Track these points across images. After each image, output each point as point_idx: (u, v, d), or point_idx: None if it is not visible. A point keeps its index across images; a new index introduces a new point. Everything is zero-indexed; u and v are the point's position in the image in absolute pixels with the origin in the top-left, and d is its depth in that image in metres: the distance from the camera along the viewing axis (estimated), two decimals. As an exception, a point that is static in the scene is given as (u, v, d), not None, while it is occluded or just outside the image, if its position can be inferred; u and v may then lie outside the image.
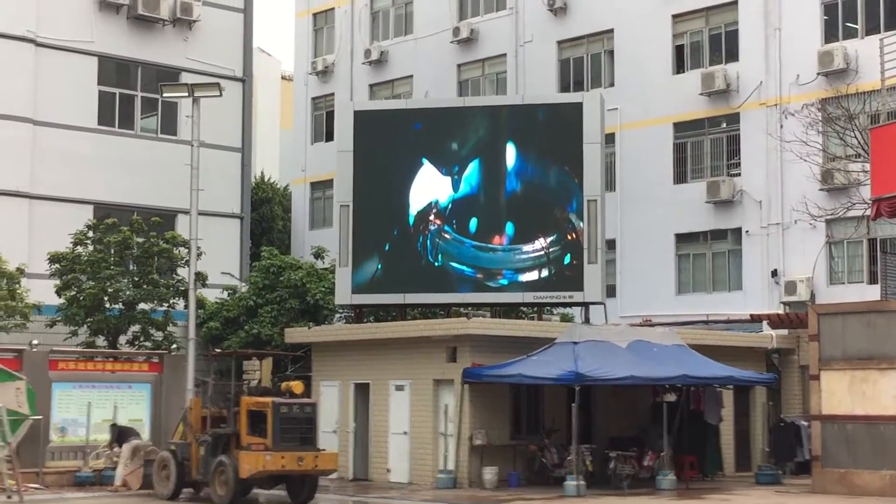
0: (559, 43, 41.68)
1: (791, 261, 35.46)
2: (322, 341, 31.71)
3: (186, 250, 33.51)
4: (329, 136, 46.93)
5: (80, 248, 34.11)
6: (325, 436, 28.04)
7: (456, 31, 43.96)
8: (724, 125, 37.83)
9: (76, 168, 38.88)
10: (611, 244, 36.68)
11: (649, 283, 38.09)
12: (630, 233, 38.84)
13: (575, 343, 27.57)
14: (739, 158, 37.22)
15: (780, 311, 34.45)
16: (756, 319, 34.36)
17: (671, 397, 29.19)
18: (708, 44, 38.41)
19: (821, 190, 34.64)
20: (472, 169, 31.48)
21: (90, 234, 34.59)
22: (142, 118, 41.07)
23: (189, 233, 32.14)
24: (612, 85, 39.96)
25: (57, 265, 33.69)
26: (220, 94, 32.70)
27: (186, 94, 32.61)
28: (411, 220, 31.54)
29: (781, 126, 35.35)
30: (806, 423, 29.74)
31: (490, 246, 31.22)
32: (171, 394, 31.02)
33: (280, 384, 26.09)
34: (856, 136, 32.53)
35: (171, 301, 34.62)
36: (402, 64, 46.08)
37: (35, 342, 31.03)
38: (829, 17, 35.80)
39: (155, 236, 34.78)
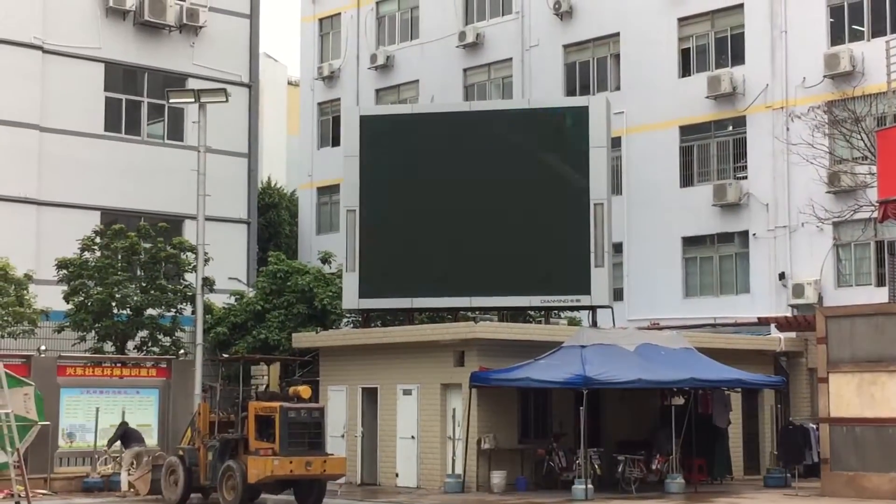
0: (565, 47, 41.68)
1: (798, 263, 35.41)
2: (329, 346, 31.71)
3: (194, 256, 33.53)
4: (335, 141, 46.92)
5: (87, 254, 34.16)
6: (332, 440, 28.07)
7: (462, 35, 43.97)
8: (731, 128, 37.80)
9: (83, 174, 38.95)
10: (618, 248, 36.70)
11: (657, 286, 38.06)
12: (637, 236, 38.80)
13: (582, 347, 27.55)
14: (746, 161, 37.18)
15: (788, 314, 34.42)
16: (764, 322, 34.32)
17: (679, 401, 29.17)
18: (714, 47, 38.40)
19: (828, 192, 34.59)
20: (477, 173, 31.46)
21: (97, 239, 34.64)
22: (148, 124, 41.15)
23: (196, 238, 32.16)
24: (618, 89, 39.95)
25: (64, 271, 33.72)
26: (227, 100, 32.72)
27: (193, 99, 32.63)
28: (418, 225, 31.50)
29: (788, 129, 35.32)
30: (814, 426, 29.67)
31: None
32: (178, 399, 31.03)
33: (288, 389, 26.08)
34: (862, 139, 32.50)
35: (179, 306, 34.65)
36: (409, 69, 46.09)
37: (43, 348, 31.10)
38: (836, 20, 35.77)
39: (162, 242, 34.81)
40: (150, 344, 34.23)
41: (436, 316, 34.62)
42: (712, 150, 38.19)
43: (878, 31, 34.61)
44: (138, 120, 40.88)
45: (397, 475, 29.47)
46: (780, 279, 35.71)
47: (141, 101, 40.92)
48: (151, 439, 30.11)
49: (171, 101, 34.66)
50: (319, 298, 35.36)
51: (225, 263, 38.41)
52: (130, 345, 34.10)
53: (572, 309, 33.61)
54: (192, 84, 39.62)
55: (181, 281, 35.06)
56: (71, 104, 39.06)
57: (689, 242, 38.15)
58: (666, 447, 28.45)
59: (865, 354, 26.56)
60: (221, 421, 25.58)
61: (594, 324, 31.45)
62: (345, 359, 31.16)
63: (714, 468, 30.31)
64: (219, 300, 37.13)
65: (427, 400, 28.98)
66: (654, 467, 28.54)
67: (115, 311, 33.65)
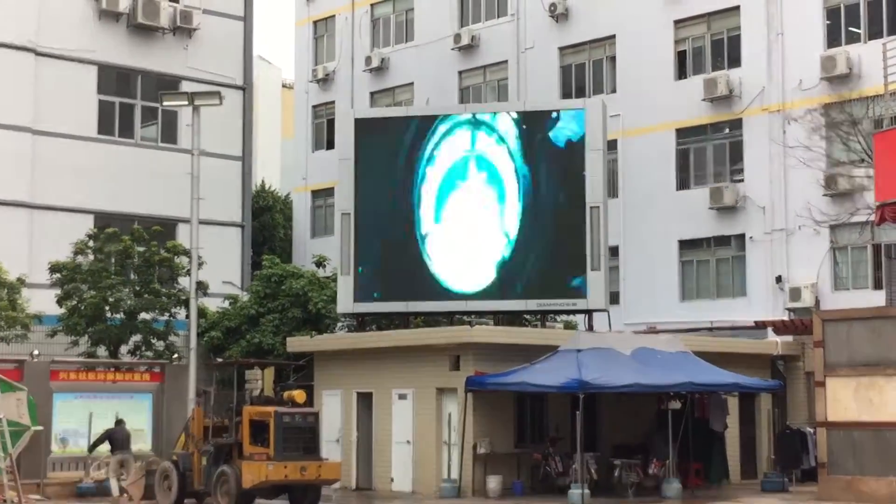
0: (561, 49, 41.59)
1: (795, 267, 35.32)
2: (324, 350, 31.59)
3: (187, 259, 33.42)
4: (330, 144, 46.84)
5: (80, 258, 34.00)
6: (327, 445, 27.94)
7: (457, 37, 43.87)
8: (727, 131, 37.73)
9: (76, 177, 38.78)
10: (614, 251, 36.59)
11: (653, 289, 37.97)
12: (633, 239, 38.71)
13: (579, 351, 27.44)
14: (742, 164, 37.11)
15: (785, 318, 34.33)
16: (760, 326, 34.23)
17: (676, 405, 29.01)
18: (710, 49, 38.33)
19: (824, 195, 34.52)
20: (472, 176, 31.34)
21: (91, 243, 34.48)
22: (142, 127, 40.99)
23: (190, 242, 32.04)
24: (614, 91, 39.87)
25: (58, 275, 33.57)
26: (221, 103, 32.63)
27: (187, 102, 32.53)
28: (413, 228, 31.38)
29: (784, 131, 35.28)
30: (811, 430, 29.59)
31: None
32: (172, 404, 30.91)
33: (282, 393, 25.96)
34: (859, 142, 32.43)
35: (173, 310, 34.50)
36: (403, 71, 45.99)
37: (36, 352, 30.93)
38: (832, 22, 35.70)
39: (156, 245, 34.66)
40: (143, 348, 34.06)
41: (431, 320, 34.47)
42: (709, 153, 38.12)
43: (874, 34, 34.53)
44: (132, 123, 40.72)
45: (392, 480, 29.35)
46: (776, 282, 35.63)
47: (134, 103, 40.76)
48: (145, 444, 29.95)
49: (164, 103, 34.52)
50: (314, 302, 35.23)
51: (219, 267, 38.26)
52: (124, 349, 33.95)
53: (568, 313, 33.48)
54: (186, 87, 39.49)
55: (175, 285, 34.89)
56: (64, 107, 38.89)
57: (686, 245, 38.06)
58: (663, 451, 28.34)
59: (863, 358, 26.46)
60: (215, 426, 25.46)
61: (590, 328, 31.37)
62: (340, 363, 31.03)
63: (711, 472, 30.18)
64: (213, 304, 36.99)
65: (422, 404, 28.86)
66: (650, 472, 28.44)
67: (109, 315, 33.50)
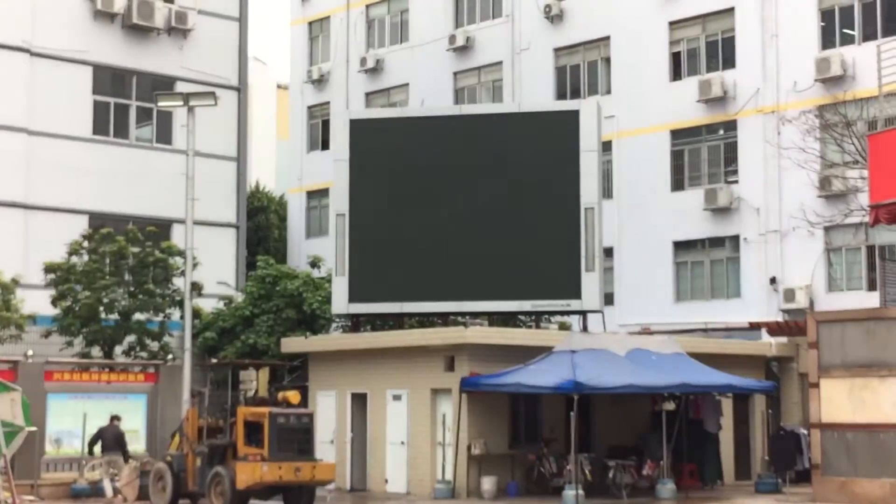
0: (556, 50, 41.62)
1: (789, 268, 35.36)
2: (319, 351, 31.57)
3: (182, 260, 33.38)
4: (325, 145, 46.83)
5: (75, 259, 33.96)
6: (322, 446, 27.92)
7: (452, 38, 43.88)
8: (722, 132, 37.76)
9: (71, 178, 38.71)
10: (608, 252, 36.61)
11: (647, 290, 37.99)
12: (628, 240, 38.74)
13: (573, 352, 27.46)
14: (737, 165, 37.14)
15: (779, 319, 34.36)
16: (755, 327, 34.25)
17: (670, 406, 29.07)
18: (705, 51, 38.36)
19: (819, 197, 34.57)
20: (467, 177, 31.32)
21: (85, 244, 34.44)
22: (137, 127, 40.93)
23: (185, 242, 31.99)
24: (608, 92, 39.90)
25: (52, 275, 33.54)
26: (216, 104, 32.56)
27: (181, 103, 32.46)
28: (407, 228, 31.35)
29: (779, 133, 35.32)
30: (805, 432, 29.61)
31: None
32: (166, 404, 30.88)
33: (277, 394, 25.94)
34: (853, 143, 32.47)
35: (167, 311, 34.49)
36: (398, 72, 45.99)
37: (30, 353, 30.90)
38: (827, 24, 35.75)
39: (150, 246, 34.62)
40: (138, 349, 34.04)
41: (426, 321, 34.46)
42: (703, 155, 38.15)
43: (868, 35, 34.59)
44: (126, 123, 40.66)
45: (387, 481, 29.35)
46: (771, 284, 35.66)
47: (129, 104, 40.71)
48: (139, 444, 29.91)
49: (159, 104, 34.43)
50: (308, 303, 35.21)
51: (213, 268, 38.19)
52: (118, 350, 33.91)
53: (563, 313, 33.49)
54: (181, 87, 39.44)
55: (169, 285, 34.87)
56: (59, 107, 38.82)
57: (680, 247, 38.09)
58: (657, 453, 28.37)
59: (857, 359, 26.46)
60: (210, 426, 25.46)
61: (585, 329, 31.35)
62: (334, 364, 31.02)
63: (705, 473, 30.24)
64: (207, 305, 36.96)
65: (417, 405, 28.86)
66: (644, 473, 28.47)
67: (103, 315, 33.47)
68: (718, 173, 37.69)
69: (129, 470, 27.50)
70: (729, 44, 37.74)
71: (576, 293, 30.32)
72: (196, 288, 32.89)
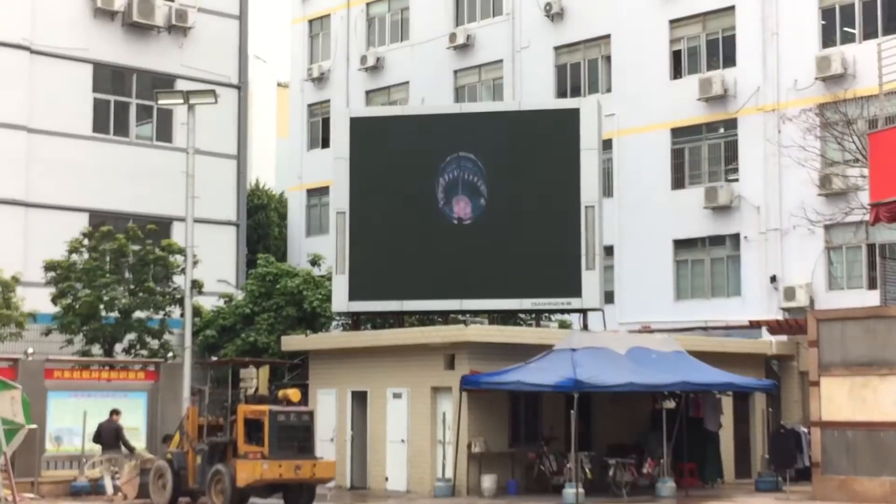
0: (556, 49, 41.61)
1: (790, 266, 35.36)
2: (319, 349, 31.56)
3: (182, 258, 33.38)
4: (325, 143, 46.82)
5: (75, 257, 33.96)
6: (322, 444, 27.90)
7: (452, 37, 43.86)
8: (722, 130, 37.75)
9: (71, 176, 38.75)
10: (609, 250, 36.57)
11: (648, 289, 37.98)
12: (628, 239, 38.73)
13: (573, 350, 27.42)
14: (737, 164, 37.13)
15: (780, 317, 34.34)
16: (755, 325, 34.23)
17: (670, 404, 29.06)
18: (705, 49, 38.35)
19: (819, 195, 34.56)
20: (467, 175, 31.31)
21: (86, 242, 34.44)
22: (137, 125, 40.96)
23: (185, 240, 31.99)
24: (609, 91, 39.89)
25: (52, 273, 33.53)
26: (216, 102, 32.55)
27: (182, 101, 32.46)
28: (407, 227, 31.35)
29: (779, 131, 35.30)
30: (806, 430, 29.59)
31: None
32: (167, 402, 30.85)
33: (277, 392, 25.93)
34: (854, 141, 32.45)
35: (167, 309, 34.48)
36: (399, 70, 45.99)
37: (30, 351, 30.89)
38: (827, 22, 35.74)
39: (151, 244, 34.64)
40: (138, 347, 34.04)
41: (426, 319, 34.47)
42: (704, 153, 38.14)
43: (869, 34, 34.58)
44: (127, 121, 40.69)
45: (387, 479, 29.33)
46: (771, 282, 35.66)
47: (129, 102, 40.74)
48: (140, 442, 29.92)
49: (159, 102, 34.47)
50: (309, 301, 35.21)
51: (214, 266, 38.20)
52: (118, 348, 33.92)
53: (563, 312, 33.46)
54: (181, 85, 39.44)
55: (169, 283, 34.88)
56: (59, 105, 38.85)
57: (681, 245, 38.09)
58: (657, 451, 28.35)
59: (857, 358, 26.47)
60: (210, 424, 25.43)
61: (585, 327, 31.37)
62: (334, 362, 31.01)
63: (705, 472, 30.20)
64: (207, 303, 36.95)
65: (417, 403, 28.85)
66: (644, 471, 28.43)
67: (104, 313, 33.47)
68: (719, 172, 37.68)
69: (129, 468, 27.48)
70: (729, 42, 37.73)
71: (576, 291, 30.31)
72: (196, 286, 32.89)
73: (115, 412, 28.77)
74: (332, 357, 31.12)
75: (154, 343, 34.16)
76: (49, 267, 33.61)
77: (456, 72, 44.32)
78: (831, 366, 26.81)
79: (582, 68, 41.12)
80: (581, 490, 25.92)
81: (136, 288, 34.17)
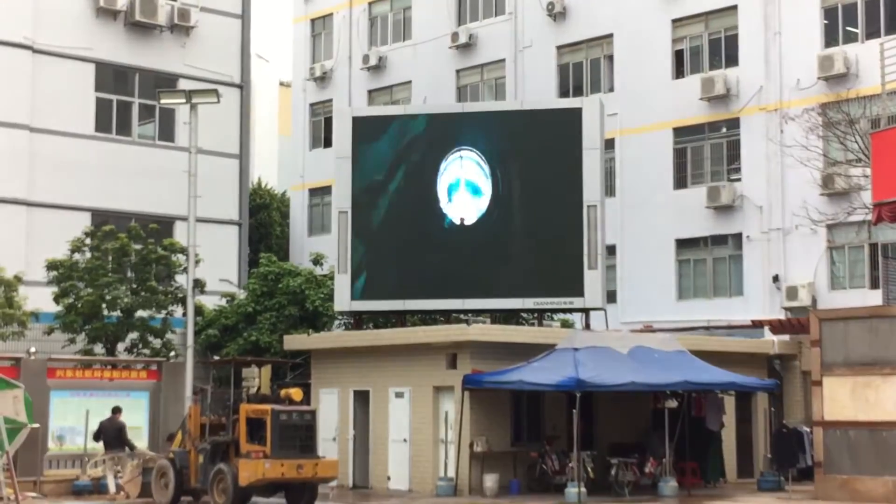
0: (558, 48, 41.59)
1: (792, 266, 35.34)
2: (321, 348, 31.56)
3: (184, 257, 33.40)
4: (328, 142, 46.82)
5: (77, 256, 33.98)
6: (324, 443, 27.87)
7: (454, 36, 43.86)
8: (725, 130, 37.73)
9: (73, 175, 38.76)
10: (611, 250, 36.56)
11: (650, 288, 37.97)
12: (630, 238, 38.72)
13: (575, 349, 27.42)
14: (740, 163, 37.12)
15: (782, 317, 34.32)
16: (757, 325, 34.22)
17: (672, 404, 29.02)
18: (708, 48, 38.32)
19: (822, 195, 34.53)
20: (469, 174, 31.31)
21: (88, 241, 34.46)
22: (139, 125, 40.98)
23: (187, 239, 32.01)
24: (611, 90, 39.88)
25: (54, 272, 33.54)
26: (218, 101, 32.58)
27: (184, 100, 32.50)
28: (409, 226, 31.36)
29: (782, 131, 35.26)
30: (808, 430, 29.58)
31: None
32: (169, 401, 30.88)
33: (279, 391, 25.94)
34: (856, 141, 32.42)
35: (170, 308, 34.49)
36: (401, 70, 45.98)
37: (33, 350, 30.92)
38: (830, 22, 35.71)
39: (153, 243, 34.65)
40: (140, 346, 34.06)
41: (428, 318, 34.47)
42: (706, 152, 38.12)
43: (872, 33, 34.55)
44: (129, 120, 40.71)
45: (389, 478, 29.33)
46: (773, 282, 35.64)
47: (132, 101, 40.75)
48: (142, 442, 29.94)
49: (162, 101, 34.51)
50: (311, 300, 35.22)
51: (216, 265, 38.24)
52: (121, 347, 33.94)
53: (565, 311, 33.46)
54: (184, 84, 39.46)
55: (172, 283, 34.91)
56: (61, 104, 38.87)
57: (683, 245, 38.07)
58: (659, 450, 28.33)
59: (859, 357, 26.46)
60: (212, 424, 25.43)
61: (587, 326, 31.37)
62: (336, 361, 31.01)
63: (707, 472, 30.19)
64: (210, 302, 36.98)
65: (419, 403, 28.85)
66: (647, 471, 28.43)
67: (106, 312, 33.48)
68: (721, 171, 37.66)
69: (131, 467, 27.50)
70: (732, 41, 37.71)
71: (578, 291, 30.34)
72: (198, 285, 32.93)
73: (116, 410, 28.79)
74: (334, 356, 31.12)
75: (156, 342, 34.18)
76: (51, 266, 33.63)
77: (458, 71, 44.32)
78: (833, 365, 26.80)
79: (584, 68, 41.10)
80: (583, 489, 25.93)
81: (139, 287, 34.18)
